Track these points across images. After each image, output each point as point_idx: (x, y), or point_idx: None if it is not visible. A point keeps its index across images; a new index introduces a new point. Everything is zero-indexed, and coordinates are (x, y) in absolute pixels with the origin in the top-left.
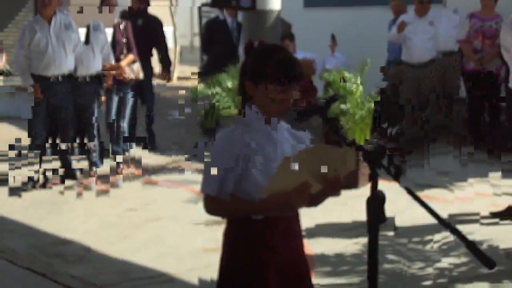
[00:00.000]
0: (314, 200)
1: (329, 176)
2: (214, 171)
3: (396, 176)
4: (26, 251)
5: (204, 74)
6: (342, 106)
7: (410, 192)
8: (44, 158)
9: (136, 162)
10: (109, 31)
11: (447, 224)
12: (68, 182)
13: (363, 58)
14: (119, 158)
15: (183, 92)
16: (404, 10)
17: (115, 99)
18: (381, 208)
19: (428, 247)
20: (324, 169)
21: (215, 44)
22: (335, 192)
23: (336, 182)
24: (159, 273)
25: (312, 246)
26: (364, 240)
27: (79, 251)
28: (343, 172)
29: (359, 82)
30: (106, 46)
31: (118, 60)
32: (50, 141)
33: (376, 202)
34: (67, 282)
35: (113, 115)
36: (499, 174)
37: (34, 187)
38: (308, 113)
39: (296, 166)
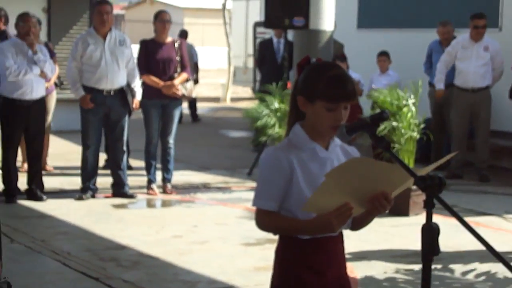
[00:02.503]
0: (360, 222)
1: (376, 192)
2: (264, 186)
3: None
4: (80, 254)
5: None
6: (394, 124)
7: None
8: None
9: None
10: (135, 47)
11: (496, 253)
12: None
13: (414, 79)
14: (169, 176)
15: (236, 112)
16: (451, 35)
17: (156, 116)
18: (436, 240)
19: (472, 276)
20: (369, 186)
21: (265, 65)
22: (382, 209)
23: (383, 199)
24: (210, 284)
25: (363, 269)
26: (415, 267)
27: (133, 257)
28: (390, 190)
29: (412, 102)
30: (132, 61)
31: (171, 78)
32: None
33: (431, 233)
34: (120, 286)
35: (155, 134)
36: None
37: (93, 196)
38: (357, 128)
39: (338, 184)
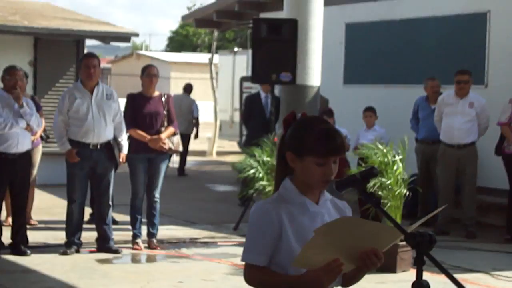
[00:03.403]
0: (350, 278)
1: (365, 249)
2: (253, 240)
3: (377, 204)
4: None
5: (245, 148)
6: (383, 180)
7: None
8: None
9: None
10: (121, 101)
11: None
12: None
13: (400, 135)
14: (154, 231)
15: (222, 166)
16: (438, 91)
17: (142, 170)
18: None
19: None
20: (358, 243)
21: (252, 119)
22: (373, 266)
23: (373, 255)
24: None
25: None
26: None
27: None
28: (380, 248)
29: (399, 158)
30: (119, 115)
31: (158, 131)
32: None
33: None
34: None
35: (141, 188)
36: None
37: (78, 251)
38: (347, 184)
39: (327, 240)
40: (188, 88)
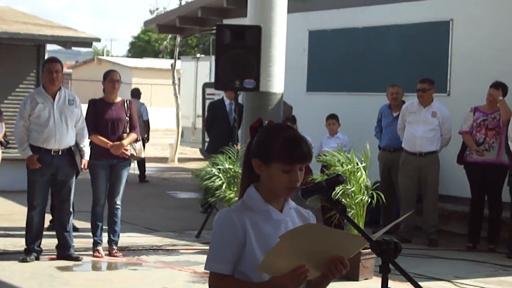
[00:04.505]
0: (315, 286)
1: (331, 257)
2: (217, 249)
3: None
4: None
5: (207, 154)
6: (347, 187)
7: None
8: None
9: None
10: (83, 107)
11: None
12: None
13: (363, 142)
14: (115, 238)
15: (184, 173)
16: (400, 96)
17: (103, 177)
18: None
19: None
20: (324, 251)
21: (216, 126)
22: (338, 273)
23: (339, 263)
24: None
25: None
26: None
27: None
28: (345, 255)
29: (362, 166)
30: (81, 121)
31: (120, 138)
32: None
33: None
34: None
35: (102, 194)
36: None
37: (37, 258)
38: (313, 191)
39: (293, 246)
40: (135, 93)
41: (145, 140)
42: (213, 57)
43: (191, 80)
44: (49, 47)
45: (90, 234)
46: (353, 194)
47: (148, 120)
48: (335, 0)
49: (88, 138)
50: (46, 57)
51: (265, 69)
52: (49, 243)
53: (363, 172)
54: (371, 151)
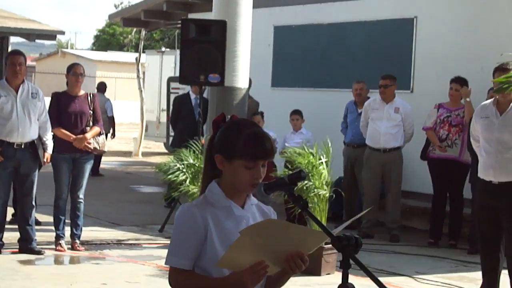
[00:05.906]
0: (275, 281)
1: (291, 252)
2: (178, 244)
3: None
4: None
5: (172, 149)
6: (309, 184)
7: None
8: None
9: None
10: (46, 100)
11: None
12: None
13: (325, 139)
14: (78, 232)
15: (147, 167)
16: (365, 92)
17: (66, 170)
18: None
19: None
20: (284, 246)
21: (181, 120)
22: (298, 269)
23: (298, 258)
24: None
25: None
26: None
27: None
28: (306, 251)
29: (325, 161)
30: (44, 114)
31: (83, 131)
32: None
33: None
34: None
35: (65, 188)
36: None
37: None
38: (275, 187)
39: (253, 241)
40: (101, 87)
41: (109, 134)
42: (178, 51)
43: (155, 74)
44: (13, 39)
45: (53, 228)
46: (315, 190)
47: (113, 116)
48: None
49: (51, 132)
50: (9, 49)
51: (230, 64)
52: (11, 236)
53: (325, 167)
54: (335, 147)
